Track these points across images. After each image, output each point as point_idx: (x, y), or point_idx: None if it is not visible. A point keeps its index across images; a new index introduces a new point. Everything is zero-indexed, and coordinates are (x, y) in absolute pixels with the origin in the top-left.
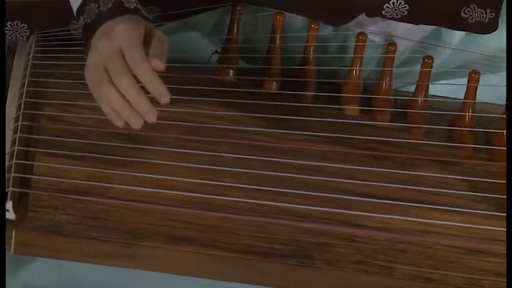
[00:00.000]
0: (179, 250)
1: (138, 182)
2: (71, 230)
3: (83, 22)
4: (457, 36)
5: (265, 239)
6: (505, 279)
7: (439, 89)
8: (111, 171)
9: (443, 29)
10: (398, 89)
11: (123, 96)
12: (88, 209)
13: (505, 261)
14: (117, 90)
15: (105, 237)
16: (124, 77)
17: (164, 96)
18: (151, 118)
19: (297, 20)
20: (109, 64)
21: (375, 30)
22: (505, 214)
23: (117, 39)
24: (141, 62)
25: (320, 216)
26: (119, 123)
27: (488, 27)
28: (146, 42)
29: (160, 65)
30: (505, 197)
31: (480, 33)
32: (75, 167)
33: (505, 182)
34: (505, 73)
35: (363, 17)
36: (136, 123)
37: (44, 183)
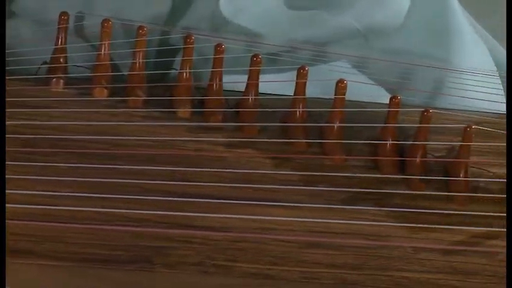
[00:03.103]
0: (16, 263)
1: None
2: None
3: None
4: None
5: (104, 246)
6: (340, 271)
7: (270, 86)
8: None
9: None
10: (230, 89)
11: None
12: None
13: (339, 252)
14: None
15: None
16: None
17: None
18: None
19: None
20: None
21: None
22: (341, 206)
23: None
24: None
25: (156, 220)
26: None
27: None
28: None
29: None
30: (344, 189)
31: None
32: None
33: (339, 174)
34: (325, 65)
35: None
36: None
37: None
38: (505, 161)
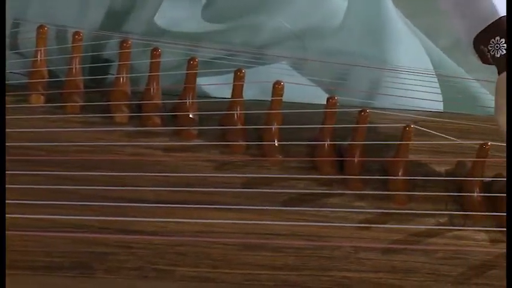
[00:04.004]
0: None
1: None
2: None
3: None
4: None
5: (45, 253)
6: (280, 272)
7: (208, 89)
8: None
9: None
10: (168, 93)
11: None
12: None
13: (279, 254)
14: None
15: None
16: None
17: None
18: None
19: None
20: None
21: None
22: (280, 208)
23: None
24: None
25: (95, 225)
26: None
27: None
28: None
29: None
30: (283, 190)
31: None
32: None
33: (278, 176)
34: (265, 67)
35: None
36: None
37: None
38: (442, 159)
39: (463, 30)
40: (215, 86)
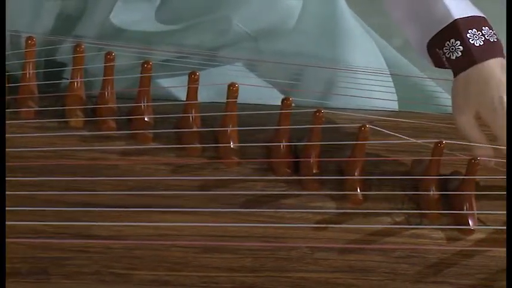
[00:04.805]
0: None
1: None
2: None
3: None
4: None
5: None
6: (238, 274)
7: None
8: None
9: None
10: (122, 97)
11: None
12: None
13: (236, 256)
14: None
15: None
16: None
17: None
18: None
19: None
20: None
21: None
22: (237, 209)
23: None
24: None
25: (52, 231)
26: None
27: None
28: None
29: None
30: (240, 192)
31: None
32: None
33: (234, 177)
34: (220, 69)
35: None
36: None
37: None
38: (398, 158)
39: (415, 35)
40: (179, 87)
